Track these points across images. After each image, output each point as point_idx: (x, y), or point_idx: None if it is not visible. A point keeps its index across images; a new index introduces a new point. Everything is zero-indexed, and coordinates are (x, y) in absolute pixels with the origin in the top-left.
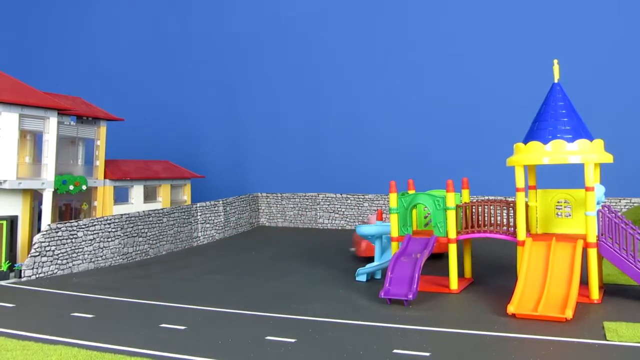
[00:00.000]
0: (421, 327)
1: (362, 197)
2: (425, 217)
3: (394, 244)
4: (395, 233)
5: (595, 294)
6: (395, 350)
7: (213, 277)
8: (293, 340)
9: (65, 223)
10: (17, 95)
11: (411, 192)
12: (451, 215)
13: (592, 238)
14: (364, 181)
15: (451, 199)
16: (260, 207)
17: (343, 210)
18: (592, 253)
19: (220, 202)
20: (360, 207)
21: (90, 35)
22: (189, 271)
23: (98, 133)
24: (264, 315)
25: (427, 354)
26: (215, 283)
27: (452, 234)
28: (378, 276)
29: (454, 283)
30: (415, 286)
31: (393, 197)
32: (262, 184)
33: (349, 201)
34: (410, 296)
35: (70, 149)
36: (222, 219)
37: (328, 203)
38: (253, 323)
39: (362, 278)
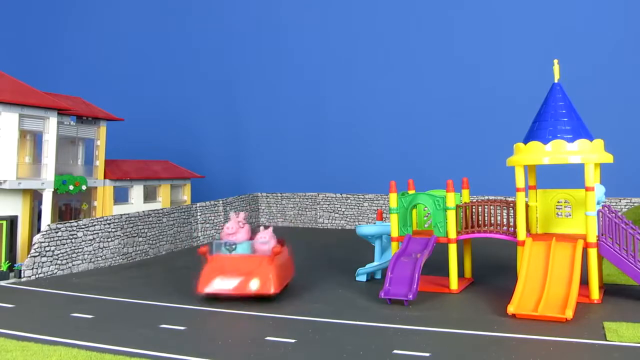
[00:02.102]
0: (421, 327)
1: (362, 197)
2: (425, 217)
3: (394, 244)
4: (395, 233)
5: (595, 294)
6: (395, 351)
7: None
8: (293, 340)
9: (65, 223)
10: (17, 95)
11: (411, 192)
12: (451, 215)
13: (592, 238)
14: (364, 181)
15: (451, 199)
16: (260, 207)
17: (343, 210)
18: (592, 253)
19: (220, 202)
20: (360, 207)
21: (90, 35)
22: (189, 271)
23: (98, 133)
24: (264, 315)
25: (427, 354)
26: None
27: (452, 234)
28: (378, 276)
29: (454, 283)
30: (415, 286)
31: (393, 197)
32: (262, 184)
33: (349, 201)
34: (410, 296)
35: (70, 149)
36: (222, 219)
37: (328, 203)
38: (253, 323)
39: (362, 278)
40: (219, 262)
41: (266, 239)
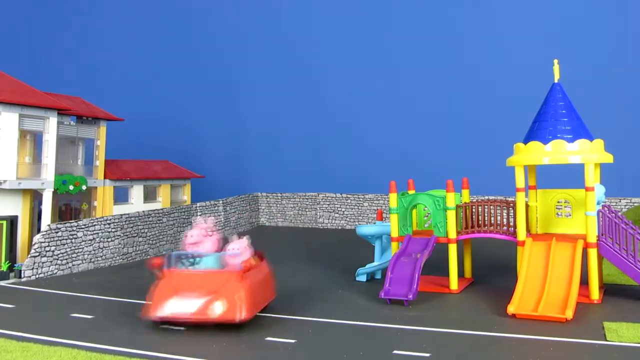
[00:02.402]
0: (421, 328)
1: (362, 197)
2: (426, 217)
3: (394, 244)
4: (395, 233)
5: (595, 294)
6: (395, 351)
7: None
8: (293, 340)
9: (65, 223)
10: (17, 95)
11: (411, 192)
12: (451, 216)
13: (592, 238)
14: (364, 181)
15: (451, 199)
16: (260, 207)
17: (343, 210)
18: (592, 253)
19: (220, 202)
20: (360, 207)
21: (90, 35)
22: None
23: (98, 133)
24: (264, 316)
25: (427, 354)
26: None
27: (452, 234)
28: (378, 276)
29: (454, 283)
30: (415, 286)
31: (393, 197)
32: (262, 184)
33: (349, 201)
34: (410, 296)
35: (70, 149)
36: (222, 219)
37: (328, 203)
38: (253, 323)
39: (362, 278)
40: (176, 278)
41: (238, 251)
